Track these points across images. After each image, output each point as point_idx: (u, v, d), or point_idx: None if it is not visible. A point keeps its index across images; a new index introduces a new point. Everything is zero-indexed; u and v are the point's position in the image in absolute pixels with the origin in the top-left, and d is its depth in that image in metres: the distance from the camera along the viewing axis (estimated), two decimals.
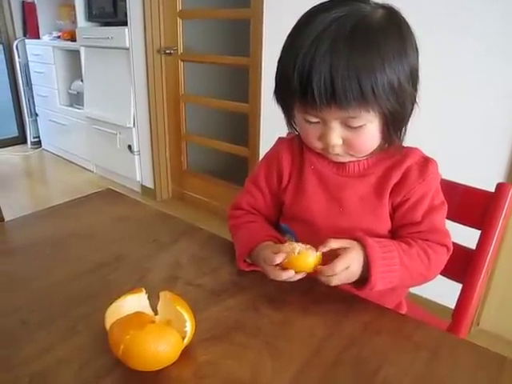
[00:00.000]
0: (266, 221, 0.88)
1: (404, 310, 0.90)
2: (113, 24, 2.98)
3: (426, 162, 0.78)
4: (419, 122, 1.71)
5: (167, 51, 2.74)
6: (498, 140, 1.56)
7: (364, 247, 0.70)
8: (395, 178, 0.77)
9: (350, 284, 0.72)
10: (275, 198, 0.88)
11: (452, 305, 0.90)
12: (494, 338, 1.74)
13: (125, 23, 2.83)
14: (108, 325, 0.59)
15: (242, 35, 2.42)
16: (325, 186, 0.81)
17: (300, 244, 0.70)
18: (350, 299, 0.74)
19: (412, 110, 0.74)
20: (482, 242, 0.86)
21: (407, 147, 0.80)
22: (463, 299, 0.88)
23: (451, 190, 0.92)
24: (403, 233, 0.78)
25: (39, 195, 3.31)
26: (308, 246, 0.70)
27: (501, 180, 0.87)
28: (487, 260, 0.86)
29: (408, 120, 0.75)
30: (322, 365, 0.59)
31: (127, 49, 2.89)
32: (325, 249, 0.68)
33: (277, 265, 0.70)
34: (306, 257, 0.69)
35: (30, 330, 0.64)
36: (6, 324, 0.66)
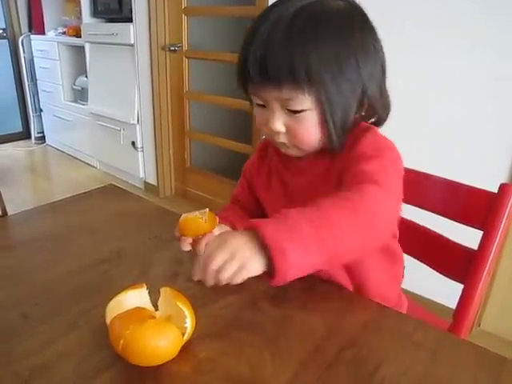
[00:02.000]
0: (246, 210, 0.91)
1: (405, 305, 0.90)
2: (118, 20, 2.98)
3: (362, 132, 0.72)
4: (422, 123, 1.72)
5: (172, 48, 2.74)
6: (501, 141, 1.56)
7: (255, 228, 0.56)
8: (338, 161, 0.73)
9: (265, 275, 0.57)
10: (254, 193, 0.90)
11: (453, 305, 0.90)
12: (495, 339, 1.73)
13: (130, 19, 2.84)
14: (108, 320, 0.59)
15: None
16: (284, 186, 0.82)
17: (197, 211, 0.74)
18: (351, 297, 0.74)
19: (368, 108, 0.71)
20: (485, 242, 0.86)
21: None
22: (464, 300, 0.87)
23: (454, 190, 0.92)
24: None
25: (42, 190, 3.32)
26: (202, 211, 0.74)
27: (503, 181, 0.87)
28: (489, 261, 0.85)
29: (350, 118, 0.70)
30: (322, 362, 0.58)
31: (132, 45, 2.89)
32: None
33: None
34: (186, 220, 0.72)
35: (30, 324, 0.65)
36: (7, 318, 0.66)
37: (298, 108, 0.68)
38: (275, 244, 0.53)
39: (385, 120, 0.77)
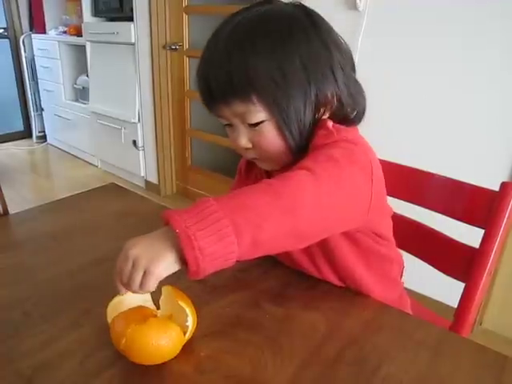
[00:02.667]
0: None
1: (407, 304, 0.90)
2: (119, 19, 2.98)
3: (329, 132, 0.67)
4: (423, 122, 1.72)
5: (173, 47, 2.74)
6: (503, 139, 1.56)
7: (167, 219, 0.53)
8: None
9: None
10: None
11: (454, 304, 0.90)
12: (497, 337, 1.73)
13: (131, 18, 2.83)
14: (110, 319, 0.59)
15: None
16: None
17: None
18: (352, 296, 0.74)
19: (324, 108, 0.68)
20: (486, 240, 0.86)
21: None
22: (466, 298, 0.87)
23: (455, 188, 0.92)
24: None
25: (43, 189, 3.32)
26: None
27: (505, 179, 0.86)
28: (491, 259, 0.85)
29: (307, 122, 0.68)
30: (323, 361, 0.59)
31: (133, 44, 2.89)
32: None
33: None
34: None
35: (33, 323, 0.65)
36: (9, 316, 0.66)
37: (255, 120, 0.67)
38: (184, 231, 0.49)
39: (361, 117, 0.73)
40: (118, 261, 0.54)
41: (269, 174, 0.80)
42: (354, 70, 0.73)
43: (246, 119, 0.68)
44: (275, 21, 0.66)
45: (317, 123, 0.69)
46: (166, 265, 0.52)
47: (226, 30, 0.66)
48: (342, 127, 0.69)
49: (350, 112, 0.71)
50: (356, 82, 0.73)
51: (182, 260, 0.51)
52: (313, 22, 0.67)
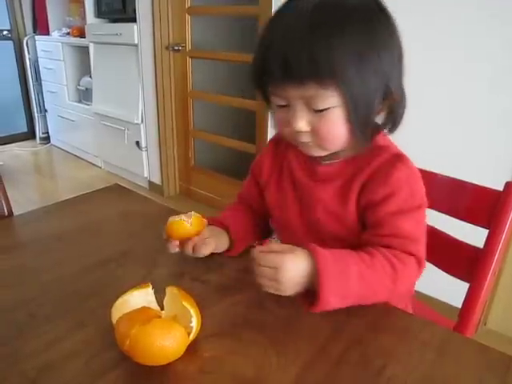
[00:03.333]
0: (251, 211, 0.91)
1: (409, 306, 0.90)
2: (122, 20, 2.99)
3: (395, 160, 0.71)
4: (428, 120, 1.71)
5: (175, 48, 2.75)
6: (507, 138, 1.55)
7: (315, 259, 0.64)
8: (361, 180, 0.72)
9: (303, 299, 0.67)
10: (262, 192, 0.88)
11: (459, 304, 0.90)
12: (501, 337, 1.72)
13: (133, 20, 2.84)
14: (114, 319, 0.59)
15: (251, 32, 2.42)
16: (296, 191, 0.80)
17: (185, 214, 0.78)
18: None
19: (389, 103, 0.70)
20: (490, 241, 0.86)
21: (379, 146, 0.74)
22: (470, 298, 0.87)
23: (459, 188, 0.91)
24: (364, 236, 0.72)
25: (47, 190, 3.33)
26: (189, 213, 0.78)
27: (509, 179, 0.86)
28: (495, 259, 0.85)
29: (374, 112, 0.70)
30: (327, 362, 0.58)
31: (136, 45, 2.90)
32: (265, 248, 0.66)
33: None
34: (172, 224, 0.77)
35: (37, 324, 0.65)
36: (14, 317, 0.66)
37: (324, 106, 0.66)
38: (326, 297, 0.63)
39: (396, 127, 0.74)
40: (269, 262, 0.63)
41: (301, 166, 0.80)
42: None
43: (313, 103, 0.66)
44: (357, 9, 0.65)
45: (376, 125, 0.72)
46: (290, 294, 0.65)
47: (308, 7, 0.63)
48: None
49: (400, 111, 0.72)
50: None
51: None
52: (386, 16, 0.68)
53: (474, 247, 0.89)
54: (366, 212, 0.73)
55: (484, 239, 0.87)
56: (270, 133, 2.32)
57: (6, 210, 1.06)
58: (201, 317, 0.60)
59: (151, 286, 0.63)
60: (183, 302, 0.59)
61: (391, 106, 0.71)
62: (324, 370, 0.57)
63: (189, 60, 2.81)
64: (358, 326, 0.66)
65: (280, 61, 0.64)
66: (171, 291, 0.62)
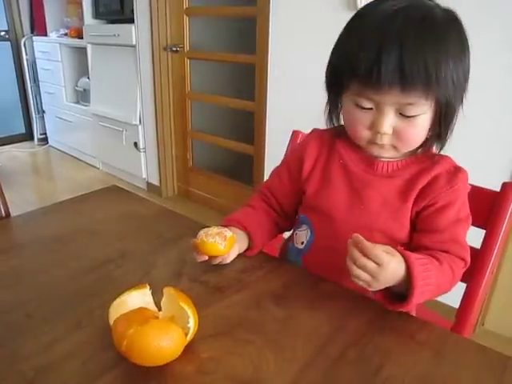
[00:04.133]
0: (271, 208, 0.91)
1: (413, 312, 0.90)
2: (119, 21, 2.99)
3: (456, 171, 0.77)
4: None
5: (173, 48, 2.75)
6: (504, 139, 1.55)
7: (407, 262, 0.66)
8: (422, 183, 0.76)
9: (383, 299, 0.70)
10: (295, 186, 0.88)
11: (456, 305, 0.90)
12: (499, 338, 1.73)
13: (131, 20, 2.84)
14: (112, 320, 0.59)
15: (249, 33, 2.42)
16: (350, 182, 0.81)
17: (214, 229, 0.77)
18: (355, 297, 0.74)
19: (458, 110, 0.75)
20: (487, 241, 0.86)
21: (439, 154, 0.79)
22: (467, 299, 0.87)
23: None
24: (425, 240, 0.76)
25: (45, 191, 3.33)
26: (221, 230, 0.77)
27: (506, 179, 0.87)
28: (492, 260, 0.85)
29: (455, 120, 0.75)
30: (325, 362, 0.59)
31: (133, 46, 2.90)
32: (367, 243, 0.65)
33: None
34: (204, 245, 0.75)
35: (35, 324, 0.65)
36: (11, 318, 0.66)
37: (416, 113, 0.69)
38: (414, 300, 0.66)
39: (450, 135, 0.78)
40: (376, 257, 0.64)
41: (355, 158, 0.81)
42: None
43: (406, 109, 0.69)
44: (452, 23, 0.70)
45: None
46: (376, 293, 0.70)
47: (415, 14, 0.67)
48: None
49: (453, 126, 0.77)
50: None
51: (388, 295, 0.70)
52: (466, 35, 0.72)
53: (472, 248, 0.89)
54: (424, 215, 0.77)
55: (481, 240, 0.87)
56: (269, 134, 2.33)
57: (3, 211, 1.05)
58: (198, 317, 0.60)
59: (149, 287, 0.63)
60: (180, 303, 0.59)
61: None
62: (322, 370, 0.57)
63: (187, 61, 2.81)
64: (356, 326, 0.66)
65: (394, 66, 0.65)
66: (168, 292, 0.62)
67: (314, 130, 0.90)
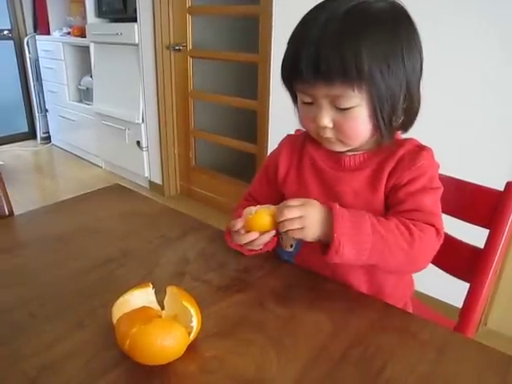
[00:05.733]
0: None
1: (410, 311, 0.90)
2: (122, 20, 2.99)
3: (419, 150, 0.77)
4: (429, 121, 1.71)
5: (176, 47, 2.75)
6: (508, 138, 1.55)
7: (330, 209, 0.69)
8: (389, 168, 0.76)
9: (321, 251, 0.71)
10: (273, 190, 0.90)
11: (459, 304, 0.89)
12: (502, 338, 1.72)
13: (134, 19, 2.84)
14: (115, 319, 0.59)
15: (251, 32, 2.42)
16: (322, 181, 0.82)
17: (260, 206, 0.74)
18: (357, 296, 0.74)
19: (408, 103, 0.74)
20: (491, 241, 0.86)
21: (403, 139, 0.80)
22: (471, 298, 0.87)
23: (460, 188, 0.91)
24: (389, 214, 0.75)
25: (48, 190, 3.33)
26: (266, 206, 0.74)
27: (509, 179, 0.86)
28: (495, 259, 0.85)
29: (398, 112, 0.73)
30: (328, 361, 0.59)
31: (136, 45, 2.90)
32: (282, 204, 0.70)
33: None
34: (260, 215, 0.72)
35: (38, 323, 0.65)
36: (14, 317, 0.66)
37: (348, 105, 0.70)
38: (338, 238, 0.66)
39: (411, 125, 0.79)
40: (295, 203, 0.69)
41: (325, 157, 0.83)
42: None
43: (338, 102, 0.70)
44: (384, 14, 0.70)
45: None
46: (311, 239, 0.70)
47: (339, 12, 0.68)
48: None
49: (416, 109, 0.77)
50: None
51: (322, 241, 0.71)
52: (410, 23, 0.72)
53: (475, 247, 0.89)
54: (390, 195, 0.77)
55: (484, 239, 0.87)
56: (271, 132, 2.32)
57: (6, 210, 1.06)
58: (201, 316, 0.60)
59: (152, 286, 0.63)
60: (183, 302, 0.59)
61: (408, 108, 0.75)
62: (324, 370, 0.57)
63: (189, 60, 2.81)
64: (359, 326, 0.66)
65: (311, 60, 0.67)
66: (171, 291, 0.62)
67: (287, 135, 0.93)
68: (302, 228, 0.68)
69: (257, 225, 0.73)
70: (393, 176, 0.76)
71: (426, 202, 0.74)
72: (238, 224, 0.74)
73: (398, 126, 0.77)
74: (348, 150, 0.79)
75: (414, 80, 0.72)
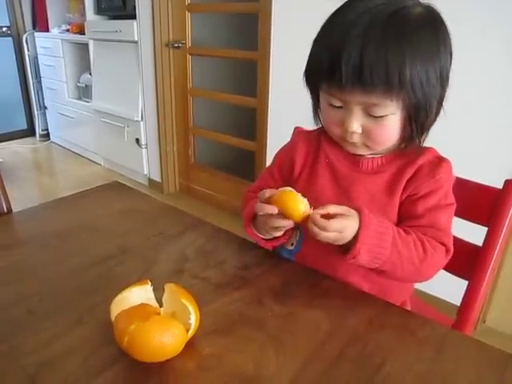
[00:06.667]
0: None
1: (408, 309, 0.90)
2: (121, 17, 2.98)
3: (439, 161, 0.77)
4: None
5: (175, 45, 2.74)
6: (507, 136, 1.55)
7: (360, 216, 0.69)
8: (408, 175, 0.76)
9: (337, 249, 0.72)
10: (287, 185, 0.87)
11: (458, 302, 0.90)
12: (500, 335, 1.73)
13: (133, 16, 2.83)
14: (113, 316, 0.59)
15: (251, 29, 2.41)
16: (336, 180, 0.81)
17: (284, 188, 0.72)
18: (355, 294, 0.74)
19: (437, 112, 0.74)
20: (489, 238, 0.86)
21: (423, 146, 0.79)
22: (469, 296, 0.87)
23: (459, 186, 0.91)
24: (403, 226, 0.76)
25: (47, 187, 3.33)
26: (288, 188, 0.71)
27: (509, 177, 0.87)
28: (494, 257, 0.85)
29: (432, 122, 0.74)
30: (326, 359, 0.59)
31: (135, 42, 2.89)
32: (322, 210, 0.68)
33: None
34: (295, 198, 0.69)
35: (36, 320, 0.65)
36: (13, 314, 0.66)
37: (382, 114, 0.69)
38: (359, 248, 0.68)
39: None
40: (341, 222, 0.68)
41: (341, 157, 0.82)
42: None
43: (372, 110, 0.69)
44: (424, 23, 0.68)
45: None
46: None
47: (381, 17, 0.66)
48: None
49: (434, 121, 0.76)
50: None
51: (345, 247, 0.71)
52: (446, 32, 0.71)
53: (473, 245, 0.89)
54: (405, 204, 0.77)
55: (483, 237, 0.87)
56: (270, 130, 2.32)
57: (5, 207, 1.05)
58: (199, 314, 0.60)
59: (150, 283, 0.63)
60: (182, 299, 0.59)
61: (435, 116, 0.75)
62: (322, 367, 0.57)
63: (189, 57, 2.80)
64: (357, 323, 0.66)
65: (354, 67, 0.65)
66: (170, 288, 0.62)
67: (299, 130, 0.92)
68: (334, 241, 0.69)
69: (286, 204, 0.70)
70: (411, 184, 0.76)
71: (441, 220, 0.75)
72: (267, 193, 0.72)
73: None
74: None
75: (445, 91, 0.72)
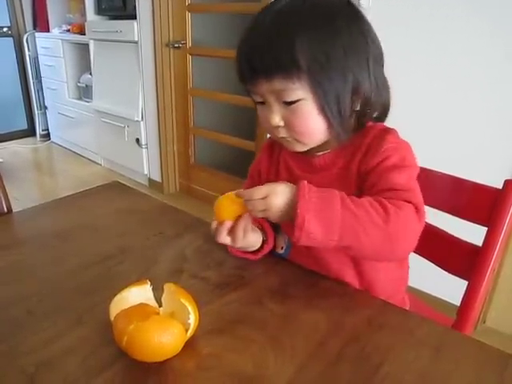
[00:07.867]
0: None
1: (407, 307, 0.90)
2: (122, 17, 2.99)
3: (383, 134, 0.73)
4: (428, 119, 1.71)
5: (176, 45, 2.74)
6: (506, 136, 1.55)
7: (298, 186, 0.65)
8: (357, 158, 0.74)
9: (290, 225, 0.65)
10: None
11: (457, 302, 0.90)
12: (500, 335, 1.73)
13: (134, 17, 2.84)
14: (112, 316, 0.59)
15: None
16: (294, 183, 0.81)
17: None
18: (354, 294, 0.74)
19: (356, 100, 0.71)
20: (489, 238, 0.86)
21: (368, 126, 0.76)
22: (469, 296, 0.87)
23: (458, 186, 0.91)
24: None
25: (47, 187, 3.33)
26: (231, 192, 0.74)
27: (508, 177, 0.87)
28: (494, 257, 0.85)
29: (346, 105, 0.70)
30: (325, 359, 0.59)
31: (136, 42, 2.90)
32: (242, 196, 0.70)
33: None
34: (222, 201, 0.75)
35: (35, 320, 0.65)
36: (12, 314, 0.67)
37: (292, 99, 0.69)
38: (302, 214, 0.62)
39: (385, 116, 0.78)
40: (263, 188, 0.67)
41: (297, 162, 0.82)
42: (383, 64, 0.76)
43: (282, 96, 0.69)
44: (322, 6, 0.69)
45: (360, 119, 0.75)
46: (275, 219, 0.68)
47: (274, 8, 0.69)
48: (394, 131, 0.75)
49: (377, 108, 0.75)
50: (384, 76, 0.76)
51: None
52: (354, 12, 0.71)
53: (473, 245, 0.89)
54: (362, 185, 0.74)
55: (483, 237, 0.87)
56: None
57: (5, 207, 1.06)
58: (198, 314, 0.60)
59: (149, 283, 0.63)
60: (181, 299, 0.59)
61: (365, 101, 0.73)
62: (321, 367, 0.57)
63: (189, 57, 2.80)
64: (356, 323, 0.66)
65: (247, 58, 0.69)
66: (169, 288, 0.62)
67: (265, 143, 0.92)
68: (264, 210, 0.66)
69: (226, 212, 0.74)
70: (362, 165, 0.73)
71: (399, 180, 0.69)
72: (213, 223, 0.76)
73: (371, 118, 0.76)
74: (317, 150, 0.78)
75: (364, 75, 0.70)
